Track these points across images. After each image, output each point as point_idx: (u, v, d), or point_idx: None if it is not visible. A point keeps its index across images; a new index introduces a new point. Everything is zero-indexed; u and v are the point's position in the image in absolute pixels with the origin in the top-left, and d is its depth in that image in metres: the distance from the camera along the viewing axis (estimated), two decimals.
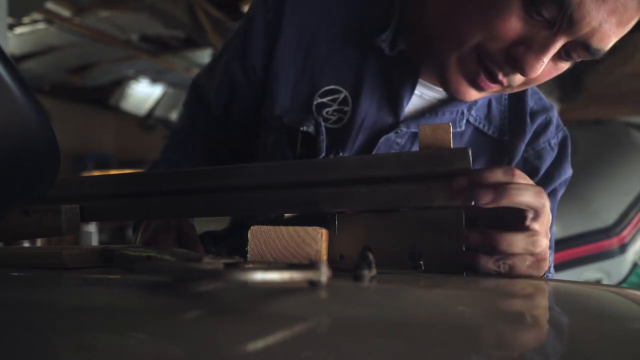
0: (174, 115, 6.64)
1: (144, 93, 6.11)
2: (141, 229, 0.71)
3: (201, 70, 0.87)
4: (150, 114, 6.49)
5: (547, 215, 0.49)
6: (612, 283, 1.88)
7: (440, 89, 0.71)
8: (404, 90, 0.70)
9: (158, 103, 6.33)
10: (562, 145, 0.78)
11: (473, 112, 0.73)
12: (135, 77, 5.69)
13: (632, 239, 1.94)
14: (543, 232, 0.49)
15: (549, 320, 0.35)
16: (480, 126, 0.74)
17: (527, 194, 0.47)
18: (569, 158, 0.78)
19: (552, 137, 0.76)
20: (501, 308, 0.39)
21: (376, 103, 0.70)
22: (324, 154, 0.69)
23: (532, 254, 0.48)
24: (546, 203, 0.48)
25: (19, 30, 4.02)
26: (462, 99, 0.65)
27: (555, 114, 0.79)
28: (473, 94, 0.64)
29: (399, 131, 0.70)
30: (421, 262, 0.50)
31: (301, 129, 0.69)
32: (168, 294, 0.36)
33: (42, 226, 0.59)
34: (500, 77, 0.60)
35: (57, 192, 0.62)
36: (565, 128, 0.80)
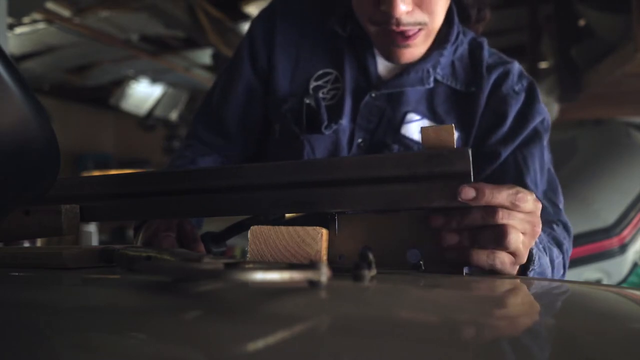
0: (173, 115, 6.63)
1: (144, 93, 6.10)
2: (143, 229, 0.71)
3: (197, 117, 0.97)
4: (150, 113, 6.48)
5: (520, 215, 0.48)
6: (612, 283, 1.87)
7: None
8: (367, 60, 0.84)
9: (158, 103, 6.32)
10: (530, 89, 0.83)
11: (439, 71, 0.83)
12: (135, 77, 5.69)
13: (633, 239, 1.94)
14: (512, 224, 0.48)
15: (549, 320, 0.35)
16: (449, 83, 0.83)
17: (501, 195, 0.47)
18: (540, 100, 0.83)
19: (515, 84, 0.83)
20: (501, 308, 0.39)
21: (355, 75, 0.85)
22: (326, 123, 0.81)
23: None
24: (523, 205, 0.48)
25: (19, 30, 4.01)
26: (398, 62, 0.80)
27: (516, 67, 0.85)
28: (402, 52, 0.78)
29: (373, 94, 0.82)
30: (421, 262, 0.50)
31: (304, 100, 0.82)
32: (168, 294, 0.36)
33: (42, 226, 0.59)
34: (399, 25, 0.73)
35: (57, 192, 0.62)
36: (530, 77, 0.85)
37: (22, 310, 0.33)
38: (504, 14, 3.19)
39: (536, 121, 0.80)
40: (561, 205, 0.80)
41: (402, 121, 0.82)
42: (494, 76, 0.82)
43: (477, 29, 0.91)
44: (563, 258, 0.70)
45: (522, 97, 0.82)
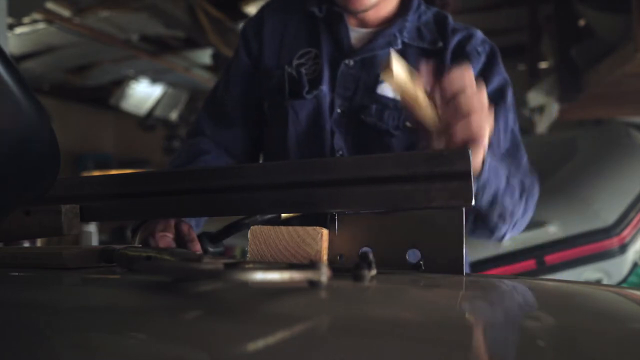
0: (173, 115, 6.63)
1: (144, 93, 6.11)
2: (141, 230, 0.71)
3: (200, 114, 1.04)
4: (150, 113, 6.48)
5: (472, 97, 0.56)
6: (612, 283, 1.87)
7: (370, 28, 0.93)
8: (340, 32, 0.92)
9: (158, 103, 6.32)
10: (491, 54, 0.90)
11: (405, 34, 0.91)
12: (135, 77, 5.69)
13: (633, 239, 1.94)
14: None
15: (549, 319, 0.35)
16: (415, 44, 0.91)
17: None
18: (501, 63, 0.90)
19: (478, 46, 0.89)
20: (501, 308, 0.39)
21: (331, 49, 0.93)
22: (307, 88, 0.90)
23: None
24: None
25: (19, 30, 4.02)
26: (354, 7, 0.86)
27: (479, 34, 0.92)
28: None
29: (346, 62, 0.90)
30: (421, 262, 0.50)
31: (286, 68, 0.91)
32: (168, 294, 0.36)
33: (42, 226, 0.59)
34: None
35: (57, 192, 0.62)
36: (493, 43, 0.92)
37: (22, 310, 0.33)
38: (504, 14, 3.19)
39: (496, 81, 0.86)
40: (523, 162, 0.84)
41: (376, 82, 0.88)
42: (458, 36, 0.90)
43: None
44: (522, 181, 0.75)
45: (482, 58, 0.88)
